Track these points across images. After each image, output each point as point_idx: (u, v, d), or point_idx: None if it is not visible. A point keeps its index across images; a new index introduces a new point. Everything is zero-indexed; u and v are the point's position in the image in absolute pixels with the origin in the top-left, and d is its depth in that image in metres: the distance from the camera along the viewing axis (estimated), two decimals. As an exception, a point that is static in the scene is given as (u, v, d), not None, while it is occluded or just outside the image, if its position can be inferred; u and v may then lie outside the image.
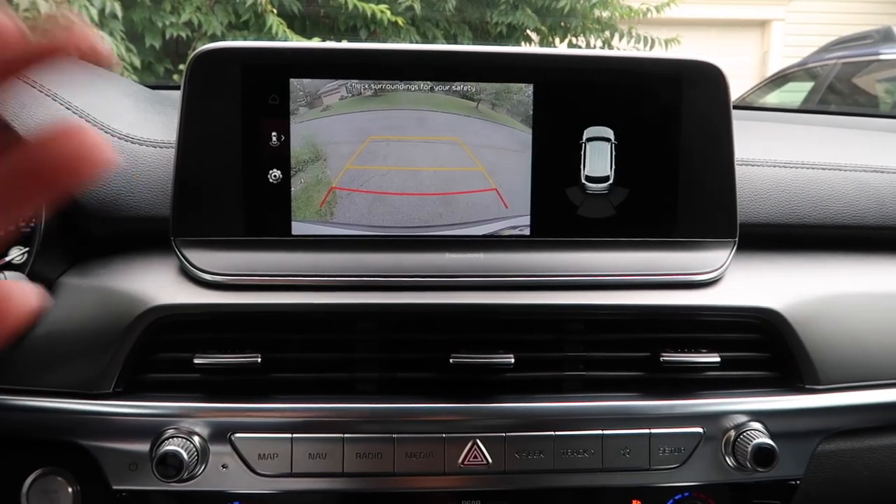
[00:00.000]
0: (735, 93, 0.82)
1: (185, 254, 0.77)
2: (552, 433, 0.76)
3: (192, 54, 0.76)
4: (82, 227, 0.81)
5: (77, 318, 0.76)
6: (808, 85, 3.57)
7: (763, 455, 0.74)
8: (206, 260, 0.77)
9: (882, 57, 3.28)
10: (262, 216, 0.78)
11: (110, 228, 0.81)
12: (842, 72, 3.40)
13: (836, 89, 3.37)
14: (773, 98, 3.78)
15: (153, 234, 0.79)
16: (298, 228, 0.78)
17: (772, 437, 0.76)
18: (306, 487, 0.75)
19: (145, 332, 0.74)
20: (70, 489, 0.76)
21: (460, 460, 0.75)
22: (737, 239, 0.83)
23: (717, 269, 0.82)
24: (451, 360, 0.75)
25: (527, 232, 0.80)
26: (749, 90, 3.93)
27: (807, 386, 0.81)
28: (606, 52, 0.86)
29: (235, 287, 0.77)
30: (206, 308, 0.76)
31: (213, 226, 0.78)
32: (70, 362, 0.75)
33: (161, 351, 0.76)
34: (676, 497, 0.79)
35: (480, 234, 0.80)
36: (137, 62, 3.56)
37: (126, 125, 0.83)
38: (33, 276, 0.75)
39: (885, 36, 3.39)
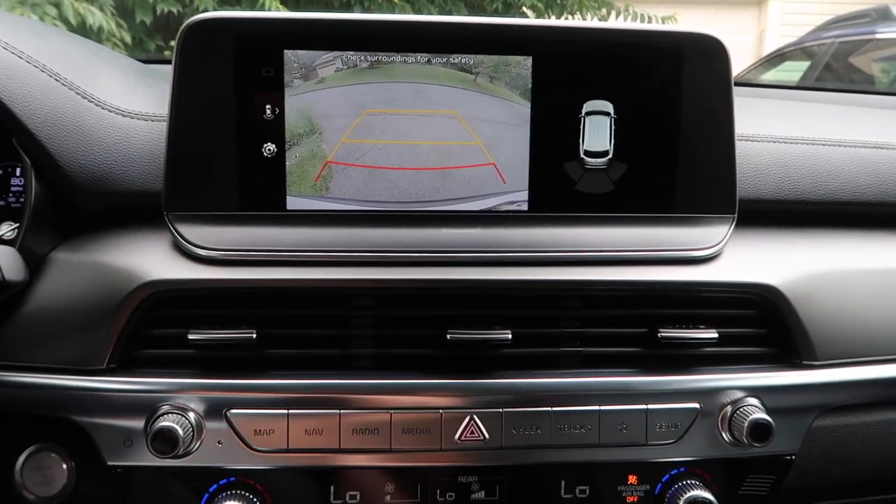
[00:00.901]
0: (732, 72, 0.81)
1: (178, 228, 0.76)
2: (549, 409, 0.76)
3: (184, 25, 0.74)
4: (73, 202, 0.79)
5: (69, 294, 0.75)
6: (805, 64, 3.55)
7: (759, 430, 0.75)
8: (200, 235, 0.76)
9: (879, 36, 3.26)
10: (257, 190, 0.77)
11: (101, 203, 0.80)
12: (839, 51, 3.38)
13: (833, 68, 3.35)
14: (769, 77, 3.76)
15: (146, 208, 0.78)
16: (293, 203, 0.77)
17: (768, 413, 0.76)
18: (303, 464, 0.75)
19: (138, 308, 0.73)
20: (64, 465, 0.75)
21: (457, 436, 0.75)
22: (736, 215, 0.82)
23: (715, 245, 0.81)
24: (448, 336, 0.75)
25: (525, 207, 0.79)
26: (746, 69, 3.91)
27: (804, 362, 0.81)
28: (607, 25, 0.85)
29: (229, 262, 0.76)
30: (200, 283, 0.75)
31: (206, 200, 0.76)
32: (63, 338, 0.74)
33: (155, 327, 0.75)
34: (672, 472, 0.79)
35: (478, 209, 0.79)
36: (128, 38, 3.50)
37: (116, 98, 0.81)
38: (23, 252, 0.74)
39: (882, 15, 3.37)
